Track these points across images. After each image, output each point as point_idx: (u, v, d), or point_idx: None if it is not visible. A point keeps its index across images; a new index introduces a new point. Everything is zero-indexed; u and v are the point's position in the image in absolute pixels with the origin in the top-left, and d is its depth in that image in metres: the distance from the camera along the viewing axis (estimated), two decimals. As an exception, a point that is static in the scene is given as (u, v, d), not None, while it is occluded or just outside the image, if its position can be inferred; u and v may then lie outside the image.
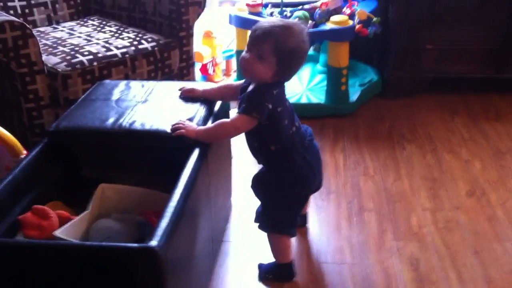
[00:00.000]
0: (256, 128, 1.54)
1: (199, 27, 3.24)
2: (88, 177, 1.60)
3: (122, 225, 1.45)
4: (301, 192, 1.66)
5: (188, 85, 1.78)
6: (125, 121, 1.60)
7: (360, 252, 1.82)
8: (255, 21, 2.70)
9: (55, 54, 2.14)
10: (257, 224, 1.67)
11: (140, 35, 2.36)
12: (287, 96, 1.62)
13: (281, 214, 1.64)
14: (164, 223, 1.22)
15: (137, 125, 1.58)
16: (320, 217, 2.01)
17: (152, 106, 1.71)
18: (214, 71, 3.20)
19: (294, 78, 3.12)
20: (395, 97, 2.93)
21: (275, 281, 1.69)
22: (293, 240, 1.86)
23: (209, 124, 1.61)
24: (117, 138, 1.57)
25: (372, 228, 1.94)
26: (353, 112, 2.78)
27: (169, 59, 2.33)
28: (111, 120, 1.61)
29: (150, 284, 1.15)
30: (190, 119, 1.63)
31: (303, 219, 1.95)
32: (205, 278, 1.65)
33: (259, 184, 1.65)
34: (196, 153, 1.51)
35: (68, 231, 1.34)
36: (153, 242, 1.14)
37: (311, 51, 3.30)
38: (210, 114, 1.71)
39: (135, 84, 1.86)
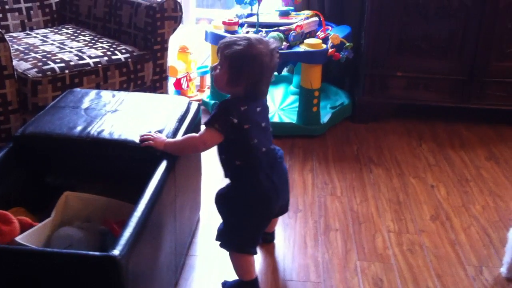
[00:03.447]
0: (224, 141, 1.55)
1: (175, 41, 3.25)
2: (53, 185, 1.58)
3: (84, 233, 1.42)
4: (263, 213, 1.65)
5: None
6: (93, 130, 1.59)
7: (325, 271, 1.82)
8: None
9: (26, 60, 2.11)
10: (218, 242, 1.65)
11: (114, 45, 2.35)
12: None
13: (242, 233, 1.63)
14: (127, 232, 1.20)
15: (105, 134, 1.57)
16: (286, 234, 2.01)
17: (122, 116, 1.70)
18: (188, 86, 3.20)
19: (267, 97, 3.18)
20: (364, 121, 2.97)
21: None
22: (259, 257, 1.86)
23: (179, 137, 1.61)
24: (84, 146, 1.56)
25: (338, 247, 1.95)
26: (323, 134, 2.82)
27: (142, 71, 2.33)
28: (79, 128, 1.59)
29: (110, 293, 1.13)
30: (160, 131, 1.62)
31: (271, 236, 1.95)
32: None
33: (221, 201, 1.65)
34: (163, 165, 1.50)
35: (29, 238, 1.31)
36: (115, 251, 1.13)
37: (285, 72, 3.34)
38: (179, 127, 1.71)
39: (106, 94, 1.85)
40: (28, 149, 1.58)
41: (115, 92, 1.88)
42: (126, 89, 2.30)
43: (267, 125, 1.65)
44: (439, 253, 1.93)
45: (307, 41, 2.66)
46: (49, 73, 2.05)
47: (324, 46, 2.66)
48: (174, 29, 2.45)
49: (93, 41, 2.39)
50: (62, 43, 2.33)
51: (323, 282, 1.77)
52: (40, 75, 2.03)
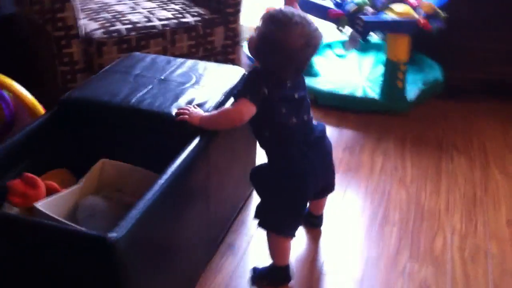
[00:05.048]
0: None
1: (260, 3, 3.14)
2: (92, 151, 1.58)
3: (109, 204, 1.41)
4: (296, 192, 1.53)
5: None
6: (134, 98, 1.55)
7: (369, 269, 1.69)
8: (313, 4, 2.60)
9: (96, 20, 2.13)
10: (256, 220, 1.58)
11: (186, 7, 2.30)
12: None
13: (278, 212, 1.54)
14: (134, 212, 1.16)
15: (144, 104, 1.53)
16: (336, 222, 1.89)
17: (168, 86, 1.65)
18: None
19: (354, 67, 3.00)
20: (455, 100, 2.70)
21: (269, 285, 1.61)
22: (300, 241, 1.77)
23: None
24: (122, 115, 1.53)
25: (390, 244, 1.79)
26: (407, 112, 2.60)
27: (211, 35, 2.26)
28: (121, 96, 1.56)
29: (104, 278, 1.11)
30: (201, 105, 1.55)
31: (318, 220, 1.84)
32: (189, 278, 1.58)
33: (255, 177, 1.57)
34: (194, 142, 1.44)
35: (50, 204, 1.31)
36: (113, 233, 1.08)
37: (378, 39, 3.11)
38: (225, 101, 1.63)
39: (161, 60, 1.81)
40: (72, 113, 1.58)
41: (172, 59, 1.83)
42: (195, 53, 2.25)
43: (302, 96, 1.52)
44: (506, 267, 1.71)
45: (394, 7, 2.43)
46: (115, 34, 2.05)
47: (414, 14, 2.41)
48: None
49: (167, 1, 2.35)
50: (135, 3, 2.32)
51: (364, 280, 1.64)
52: (105, 36, 2.03)
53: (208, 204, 1.55)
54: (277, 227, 1.55)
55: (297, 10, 1.44)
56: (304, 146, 1.51)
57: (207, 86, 1.67)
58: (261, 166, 1.58)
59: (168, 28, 2.15)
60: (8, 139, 1.47)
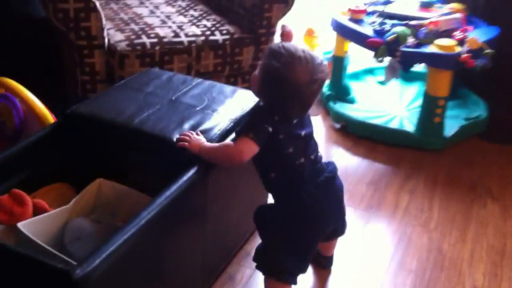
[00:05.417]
0: (258, 152, 1.38)
1: (302, 23, 3.06)
2: (91, 168, 1.53)
3: (98, 228, 1.36)
4: (305, 237, 1.44)
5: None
6: (138, 119, 1.50)
7: (374, 320, 1.57)
8: (352, 30, 2.49)
9: (123, 31, 2.10)
10: (255, 264, 1.49)
11: (218, 24, 2.24)
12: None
13: (282, 257, 1.44)
14: (108, 245, 1.09)
15: (147, 126, 1.47)
16: (348, 262, 1.77)
17: (177, 108, 1.58)
18: (309, 72, 3.00)
19: (394, 96, 2.86)
20: (498, 141, 2.52)
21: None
22: (306, 281, 1.66)
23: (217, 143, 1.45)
24: (124, 135, 1.48)
25: (402, 294, 1.67)
26: (442, 149, 2.44)
27: (240, 55, 2.19)
28: (126, 114, 1.51)
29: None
30: (205, 131, 1.48)
31: (327, 261, 1.73)
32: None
33: (260, 217, 1.48)
34: (192, 170, 1.36)
35: (34, 225, 1.26)
36: (77, 268, 1.01)
37: (423, 69, 2.96)
38: (232, 128, 1.55)
39: (178, 79, 1.75)
40: (76, 128, 1.55)
41: (189, 78, 1.77)
42: (221, 72, 2.19)
43: (309, 133, 1.44)
44: (528, 333, 1.55)
45: (438, 41, 2.29)
46: (138, 47, 2.02)
47: (458, 49, 2.27)
48: (284, 13, 2.26)
49: (199, 17, 2.31)
50: (168, 17, 2.28)
51: (365, 334, 1.52)
52: (129, 48, 2.00)
53: (205, 233, 1.48)
54: (277, 272, 1.44)
55: (299, 45, 1.37)
56: (313, 187, 1.41)
57: (217, 111, 1.60)
58: (267, 206, 1.49)
59: (194, 45, 2.10)
60: (8, 148, 1.45)
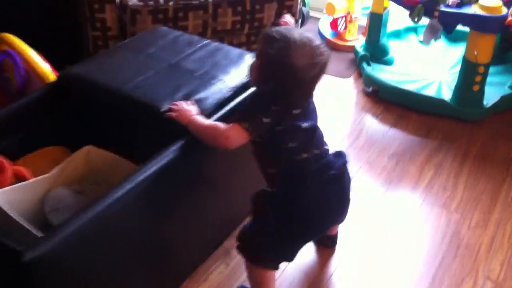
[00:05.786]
0: (255, 145, 1.31)
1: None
2: (81, 132, 1.49)
3: (77, 199, 1.32)
4: (301, 235, 1.36)
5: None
6: (131, 84, 1.43)
7: (371, 306, 1.48)
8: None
9: (138, -15, 2.01)
10: (237, 244, 1.40)
11: (240, -22, 2.11)
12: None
13: (269, 248, 1.34)
14: (69, 223, 1.04)
15: (138, 93, 1.40)
16: (356, 238, 1.68)
17: (175, 73, 1.50)
18: (346, 27, 2.82)
19: (437, 58, 2.65)
20: (544, 114, 2.30)
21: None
22: (309, 259, 1.59)
23: (209, 120, 1.35)
24: (115, 100, 1.42)
25: (407, 279, 1.57)
26: (480, 120, 2.26)
27: (261, 12, 2.06)
28: (119, 79, 1.45)
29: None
30: (200, 100, 1.39)
31: (331, 241, 1.64)
32: (173, 278, 1.46)
33: (259, 202, 1.37)
34: (177, 144, 1.29)
35: (11, 194, 1.24)
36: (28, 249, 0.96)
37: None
38: (234, 97, 1.45)
39: (184, 40, 1.66)
40: (69, 90, 1.50)
41: (196, 39, 1.68)
42: (239, 30, 2.07)
43: (313, 125, 1.32)
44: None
45: (482, 0, 2.07)
46: (151, 3, 1.92)
47: (504, 10, 2.04)
48: (310, -33, 2.09)
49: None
50: (187, -31, 2.17)
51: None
52: (141, 4, 1.91)
53: (189, 215, 1.41)
54: (258, 258, 1.36)
55: (295, 28, 1.25)
56: (317, 187, 1.31)
57: (217, 77, 1.50)
58: (269, 192, 1.36)
59: (211, 0, 1.98)
60: (1, 109, 1.42)
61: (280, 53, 1.22)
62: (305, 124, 1.31)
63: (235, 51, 1.64)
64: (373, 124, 2.26)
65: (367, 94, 2.43)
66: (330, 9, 2.79)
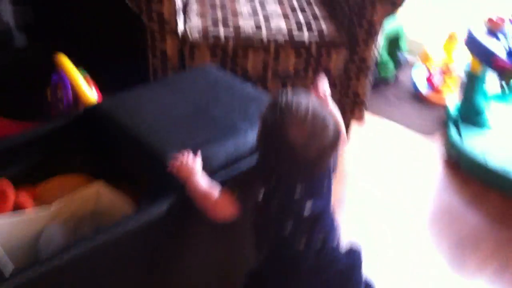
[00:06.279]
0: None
1: (447, 26, 2.62)
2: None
3: (70, 240, 1.28)
4: None
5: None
6: (145, 126, 1.37)
7: None
8: (479, 44, 2.01)
9: (203, 16, 1.96)
10: None
11: (313, 20, 1.98)
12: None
13: None
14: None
15: (149, 138, 1.33)
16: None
17: (199, 119, 1.41)
18: (444, 81, 2.57)
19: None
20: None
21: None
22: None
23: (208, 183, 1.22)
24: (126, 142, 1.37)
25: None
26: None
27: (328, 59, 1.92)
28: (137, 120, 1.39)
29: None
30: (208, 157, 1.29)
31: None
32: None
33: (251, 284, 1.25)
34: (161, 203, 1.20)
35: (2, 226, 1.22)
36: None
37: None
38: (239, 160, 1.33)
39: (226, 83, 1.56)
40: (91, 124, 1.47)
41: (239, 84, 1.57)
42: (303, 75, 1.94)
43: (318, 209, 1.14)
44: None
45: None
46: (211, 38, 1.86)
47: None
48: (389, 14, 1.90)
49: (298, 9, 2.06)
50: (263, 5, 2.08)
51: None
52: (201, 39, 1.86)
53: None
54: None
55: (310, 102, 1.10)
56: (314, 283, 1.15)
57: (240, 130, 1.39)
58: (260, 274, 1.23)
59: (274, 41, 1.88)
60: (21, 133, 1.44)
61: (277, 122, 1.08)
62: (307, 213, 1.13)
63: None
64: (445, 195, 2.02)
65: (447, 160, 2.18)
66: (425, 58, 2.57)
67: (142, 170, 1.37)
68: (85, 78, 1.73)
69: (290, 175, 1.12)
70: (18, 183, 1.41)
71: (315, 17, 2.01)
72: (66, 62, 1.70)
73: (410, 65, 2.73)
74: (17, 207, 1.30)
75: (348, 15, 1.96)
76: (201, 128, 1.38)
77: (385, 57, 2.63)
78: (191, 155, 1.26)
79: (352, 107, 2.08)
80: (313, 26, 1.95)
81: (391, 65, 2.65)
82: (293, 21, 1.97)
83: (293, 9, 2.06)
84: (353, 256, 1.21)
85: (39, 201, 1.42)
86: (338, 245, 1.19)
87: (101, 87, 1.81)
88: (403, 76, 2.72)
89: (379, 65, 2.60)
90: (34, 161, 1.45)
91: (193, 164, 1.24)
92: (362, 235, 1.81)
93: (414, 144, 2.29)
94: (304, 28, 1.93)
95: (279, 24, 1.95)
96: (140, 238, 1.17)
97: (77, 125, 1.49)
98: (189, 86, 1.56)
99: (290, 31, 1.91)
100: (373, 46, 1.96)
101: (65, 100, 1.69)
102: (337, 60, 1.93)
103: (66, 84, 1.69)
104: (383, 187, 2.04)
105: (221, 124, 1.40)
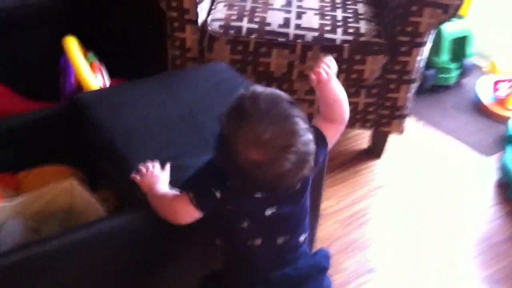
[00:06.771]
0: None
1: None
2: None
3: (30, 238, 1.20)
4: None
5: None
6: (122, 130, 1.25)
7: None
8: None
9: (230, 8, 1.80)
10: None
11: (352, 19, 1.77)
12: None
13: None
14: None
15: (121, 142, 1.22)
16: None
17: (183, 127, 1.27)
18: (509, 93, 2.26)
19: None
20: None
21: None
22: None
23: (169, 190, 1.11)
24: (99, 142, 1.26)
25: None
26: None
27: (361, 63, 1.70)
28: (115, 121, 1.27)
29: None
30: (180, 168, 1.15)
31: None
32: None
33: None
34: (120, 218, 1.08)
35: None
36: None
37: None
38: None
39: (229, 86, 1.41)
40: (75, 114, 1.38)
41: (245, 87, 1.42)
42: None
43: (282, 213, 1.01)
44: None
45: None
46: (231, 32, 1.71)
47: None
48: (440, 22, 1.66)
49: (343, 6, 1.85)
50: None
51: None
52: (220, 31, 1.71)
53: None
54: None
55: (279, 112, 0.92)
56: (268, 282, 1.01)
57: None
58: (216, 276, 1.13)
59: (300, 40, 1.69)
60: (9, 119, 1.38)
61: (228, 135, 0.92)
62: (269, 211, 1.00)
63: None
64: (492, 224, 1.77)
65: (500, 185, 1.92)
66: (492, 67, 2.27)
67: (114, 175, 1.26)
68: (92, 64, 1.64)
69: (244, 188, 0.97)
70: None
71: (356, 17, 1.80)
72: (71, 46, 1.61)
73: (476, 73, 2.42)
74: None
75: (391, 18, 1.73)
76: (182, 137, 1.25)
77: (447, 61, 2.35)
78: (156, 167, 1.14)
79: (389, 119, 1.86)
80: (351, 26, 1.74)
81: (453, 71, 2.37)
82: (328, 19, 1.77)
83: (334, 6, 1.85)
84: (319, 256, 1.09)
85: (19, 189, 1.37)
86: (300, 244, 1.06)
87: (120, 74, 1.73)
88: (465, 85, 2.43)
89: (439, 69, 2.33)
90: (18, 148, 1.39)
91: (156, 175, 1.11)
92: (400, 251, 1.65)
93: (467, 162, 2.03)
94: (339, 29, 1.73)
95: (311, 21, 1.75)
96: (104, 247, 1.08)
97: (65, 115, 1.41)
98: (187, 85, 1.43)
99: (321, 29, 1.72)
100: (418, 56, 1.72)
101: (67, 85, 1.61)
102: (373, 66, 1.71)
103: (69, 69, 1.61)
104: (423, 205, 1.83)
105: (206, 134, 1.26)
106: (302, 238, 1.05)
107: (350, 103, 1.11)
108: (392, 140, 1.98)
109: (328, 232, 1.69)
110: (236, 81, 1.46)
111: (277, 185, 0.95)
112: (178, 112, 1.33)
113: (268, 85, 1.78)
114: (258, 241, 1.02)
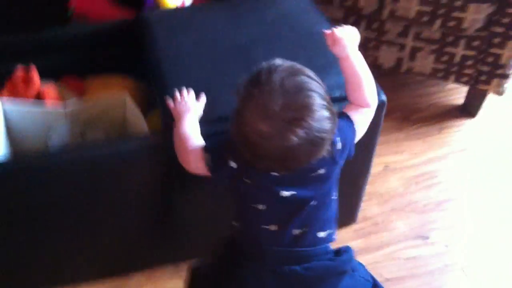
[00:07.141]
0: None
1: None
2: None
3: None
4: None
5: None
6: (174, 54, 1.24)
7: None
8: None
9: None
10: None
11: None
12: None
13: None
14: None
15: (169, 65, 1.21)
16: None
17: (233, 58, 1.23)
18: None
19: None
20: None
21: None
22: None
23: (195, 130, 1.08)
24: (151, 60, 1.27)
25: None
26: None
27: (461, 10, 1.50)
28: (170, 44, 1.27)
29: None
30: (214, 100, 1.12)
31: None
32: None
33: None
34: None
35: (16, 109, 1.22)
36: None
37: None
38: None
39: (297, 18, 1.33)
40: (139, 31, 1.38)
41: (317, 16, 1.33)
42: (428, 23, 1.56)
43: (300, 197, 0.96)
44: None
45: None
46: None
47: None
48: None
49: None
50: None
51: None
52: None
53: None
54: None
55: (295, 79, 0.86)
56: (269, 276, 0.98)
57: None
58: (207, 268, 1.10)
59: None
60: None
61: (243, 96, 0.88)
62: (286, 192, 0.95)
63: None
64: None
65: None
66: None
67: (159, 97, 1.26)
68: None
69: (254, 161, 0.92)
70: (63, 74, 1.44)
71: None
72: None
73: None
74: (40, 96, 1.31)
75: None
76: (228, 69, 1.21)
77: None
78: (191, 96, 1.12)
79: (488, 77, 1.65)
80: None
81: None
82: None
83: None
84: (343, 257, 1.02)
85: (84, 94, 1.44)
86: (321, 241, 1.00)
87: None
88: None
89: None
90: (82, 55, 1.44)
91: (189, 106, 1.11)
92: (464, 225, 1.52)
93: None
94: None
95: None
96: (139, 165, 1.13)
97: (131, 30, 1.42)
98: (255, 13, 1.36)
99: None
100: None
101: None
102: (474, 14, 1.51)
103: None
104: (507, 180, 1.63)
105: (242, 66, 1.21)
106: (322, 234, 0.99)
107: (446, 53, 0.99)
108: (490, 101, 1.77)
109: (389, 187, 1.60)
110: (309, 15, 1.37)
111: (290, 163, 0.89)
112: (236, 41, 1.28)
113: (356, 23, 1.65)
114: (273, 227, 0.97)
